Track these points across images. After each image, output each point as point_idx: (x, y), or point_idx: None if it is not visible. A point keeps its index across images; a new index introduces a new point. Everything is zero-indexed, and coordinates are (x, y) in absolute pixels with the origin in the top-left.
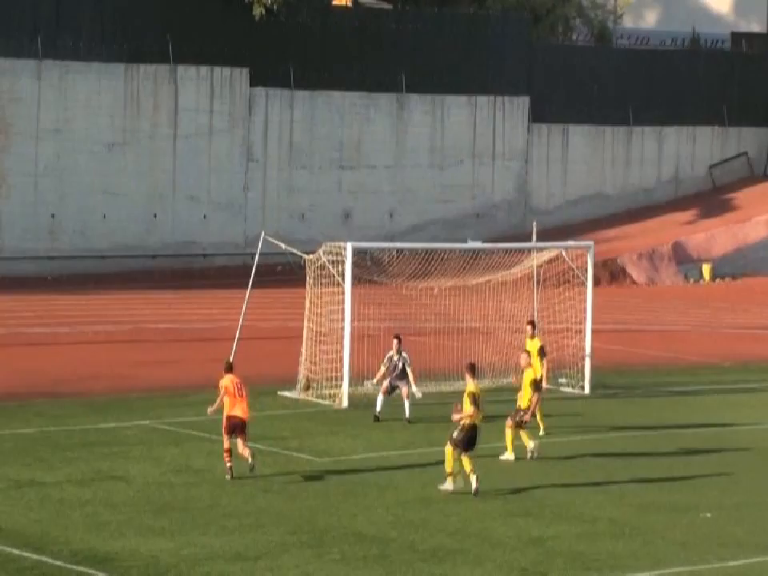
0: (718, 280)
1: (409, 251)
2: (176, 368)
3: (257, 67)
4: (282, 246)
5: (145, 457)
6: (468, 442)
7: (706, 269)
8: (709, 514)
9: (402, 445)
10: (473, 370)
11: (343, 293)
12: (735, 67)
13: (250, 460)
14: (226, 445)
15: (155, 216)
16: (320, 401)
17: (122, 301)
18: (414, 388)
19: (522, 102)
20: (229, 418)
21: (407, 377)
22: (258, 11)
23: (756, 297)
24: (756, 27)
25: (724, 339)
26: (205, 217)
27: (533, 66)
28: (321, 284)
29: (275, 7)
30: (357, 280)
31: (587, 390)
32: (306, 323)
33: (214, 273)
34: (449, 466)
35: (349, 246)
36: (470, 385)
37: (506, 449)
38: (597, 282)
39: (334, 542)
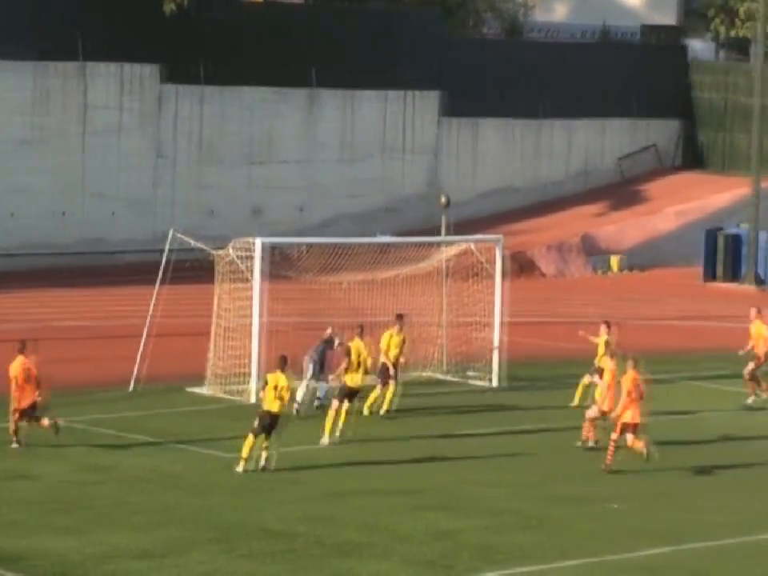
0: (627, 272)
1: (319, 246)
2: (85, 366)
3: (167, 64)
4: (192, 242)
5: (53, 455)
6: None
7: (615, 261)
8: (616, 506)
9: (310, 440)
10: (284, 363)
11: (252, 288)
12: (645, 60)
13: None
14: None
15: (64, 213)
16: (229, 397)
17: (30, 299)
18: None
19: (433, 97)
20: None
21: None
22: (168, 7)
23: (665, 288)
24: (666, 20)
25: (634, 330)
26: (114, 214)
27: (444, 60)
28: (230, 280)
29: (185, 3)
30: (266, 276)
31: (496, 383)
32: (215, 319)
33: (124, 270)
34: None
35: (258, 241)
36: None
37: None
38: (506, 274)
39: (241, 537)
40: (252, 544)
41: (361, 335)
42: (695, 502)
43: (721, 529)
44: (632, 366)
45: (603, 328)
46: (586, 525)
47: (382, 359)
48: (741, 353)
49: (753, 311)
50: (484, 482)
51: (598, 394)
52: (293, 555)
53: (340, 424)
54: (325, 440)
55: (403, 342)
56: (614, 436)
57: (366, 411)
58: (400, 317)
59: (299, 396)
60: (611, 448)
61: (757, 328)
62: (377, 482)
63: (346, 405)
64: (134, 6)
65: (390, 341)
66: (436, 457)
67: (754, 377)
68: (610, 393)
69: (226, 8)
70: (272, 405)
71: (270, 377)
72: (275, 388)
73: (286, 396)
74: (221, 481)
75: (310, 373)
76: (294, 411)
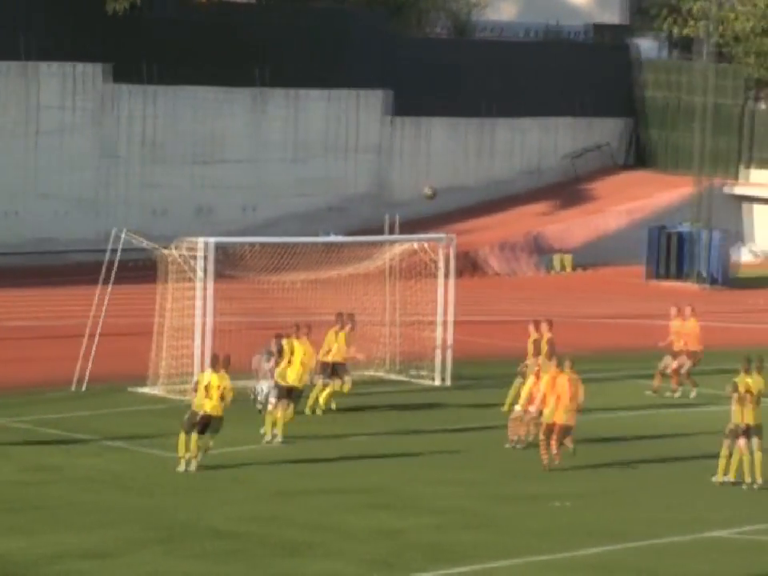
0: (575, 270)
1: (265, 246)
2: (32, 365)
3: (115, 63)
4: (140, 241)
5: None
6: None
7: (565, 259)
8: (560, 503)
9: (255, 440)
10: (216, 362)
11: (198, 288)
12: (593, 59)
13: None
14: None
15: (12, 213)
16: (173, 396)
17: None
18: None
19: (380, 96)
20: None
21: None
22: (111, 7)
23: (611, 287)
24: (613, 19)
25: (583, 329)
26: (62, 213)
27: (392, 59)
28: (176, 279)
29: (138, 2)
30: (212, 275)
31: (441, 382)
32: (158, 319)
33: (72, 269)
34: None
35: (204, 241)
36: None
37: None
38: (457, 273)
39: (188, 538)
40: (198, 544)
41: (301, 334)
42: (639, 500)
43: (665, 526)
44: (566, 367)
45: (531, 327)
46: (532, 523)
47: (322, 358)
48: (660, 344)
49: (673, 310)
50: (430, 480)
51: (523, 392)
52: (239, 555)
53: (280, 423)
54: (267, 438)
55: (348, 339)
56: (542, 436)
57: (307, 410)
58: (344, 315)
59: (262, 392)
60: (542, 448)
61: (692, 325)
62: (321, 481)
63: (284, 403)
64: (80, 5)
65: (333, 339)
66: (381, 455)
67: (678, 374)
68: (539, 392)
69: (174, 7)
70: (201, 405)
71: (200, 376)
72: (206, 388)
73: (216, 395)
74: (167, 481)
75: (267, 368)
76: (258, 409)
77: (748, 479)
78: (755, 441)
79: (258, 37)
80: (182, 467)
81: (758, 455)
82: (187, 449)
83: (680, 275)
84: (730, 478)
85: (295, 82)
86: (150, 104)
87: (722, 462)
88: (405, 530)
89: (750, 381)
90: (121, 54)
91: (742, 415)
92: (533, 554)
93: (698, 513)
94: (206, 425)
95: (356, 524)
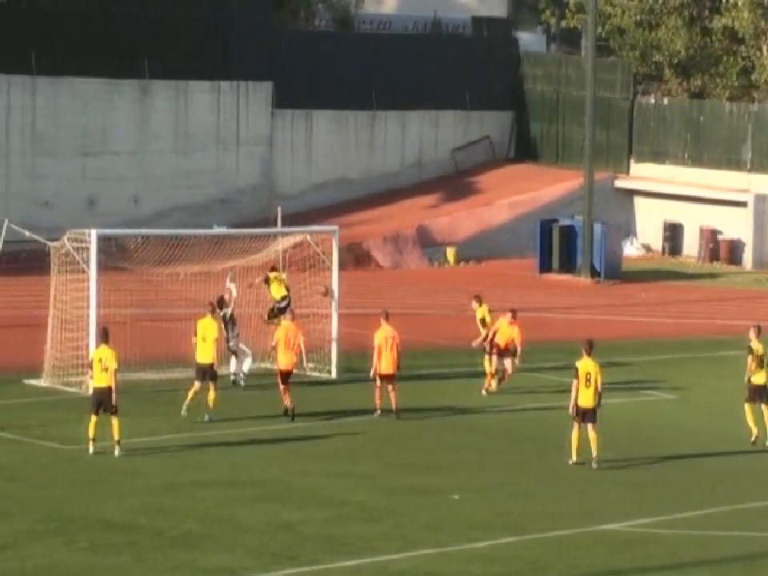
0: (462, 263)
1: (155, 237)
2: None
3: None
4: (26, 233)
5: None
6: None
7: (450, 252)
8: (456, 496)
9: (148, 431)
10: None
11: (88, 280)
12: (476, 52)
13: None
14: None
15: None
16: (66, 388)
17: None
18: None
19: (266, 88)
20: None
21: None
22: None
23: (501, 280)
24: (496, 12)
25: (470, 322)
26: None
27: (276, 51)
28: (66, 271)
29: None
30: (102, 267)
31: (334, 375)
32: (51, 311)
33: None
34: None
35: (93, 232)
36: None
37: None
38: (342, 266)
39: (82, 529)
40: (93, 536)
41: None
42: (534, 492)
43: (561, 519)
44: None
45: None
46: (428, 515)
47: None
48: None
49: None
50: (323, 473)
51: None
52: (135, 548)
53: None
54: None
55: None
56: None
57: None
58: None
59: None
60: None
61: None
62: (214, 474)
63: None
64: None
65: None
66: (273, 448)
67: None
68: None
69: None
70: (98, 380)
71: (94, 353)
72: (99, 361)
73: (112, 367)
74: (60, 473)
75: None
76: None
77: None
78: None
79: (142, 28)
80: (90, 449)
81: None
82: (97, 429)
83: (571, 269)
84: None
85: (181, 74)
86: (35, 95)
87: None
88: (300, 523)
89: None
90: (4, 44)
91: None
92: (430, 546)
93: (592, 505)
94: (104, 400)
95: (251, 516)
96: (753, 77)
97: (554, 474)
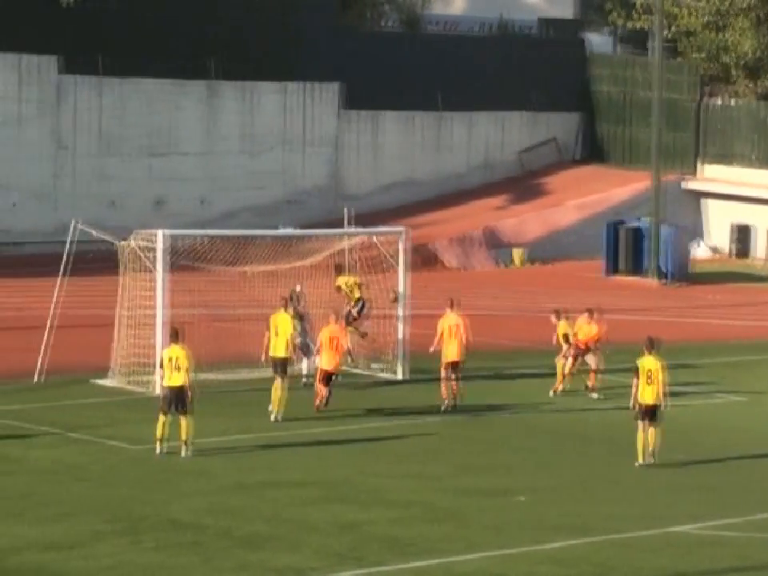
0: (529, 265)
1: (222, 238)
2: None
3: (66, 54)
4: (94, 233)
5: None
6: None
7: (517, 253)
8: (523, 498)
9: (217, 431)
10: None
11: (155, 280)
12: (543, 53)
13: None
14: None
15: None
16: (134, 388)
17: None
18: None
19: (333, 89)
20: None
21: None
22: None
23: (568, 281)
24: (564, 13)
25: (537, 323)
26: (15, 205)
27: (343, 52)
28: (134, 270)
29: None
30: (169, 267)
31: (400, 375)
32: (119, 311)
33: (27, 261)
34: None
35: (160, 233)
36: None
37: None
38: (410, 267)
39: (149, 529)
40: (160, 536)
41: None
42: (601, 494)
43: (628, 521)
44: None
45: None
46: (493, 517)
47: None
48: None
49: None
50: (389, 474)
51: None
52: (201, 547)
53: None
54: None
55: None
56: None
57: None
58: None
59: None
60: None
61: (582, 325)
62: (282, 474)
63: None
64: None
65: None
66: (341, 448)
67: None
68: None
69: None
70: (171, 379)
71: (164, 352)
72: (170, 360)
73: (184, 366)
74: (127, 472)
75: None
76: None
77: None
78: None
79: (211, 29)
80: (157, 449)
81: None
82: (166, 428)
83: (638, 270)
84: None
85: (248, 75)
86: (103, 95)
87: None
88: (366, 523)
89: None
90: (73, 45)
91: None
92: (494, 548)
93: (654, 508)
94: (178, 400)
95: (317, 517)
96: None
97: (621, 476)
